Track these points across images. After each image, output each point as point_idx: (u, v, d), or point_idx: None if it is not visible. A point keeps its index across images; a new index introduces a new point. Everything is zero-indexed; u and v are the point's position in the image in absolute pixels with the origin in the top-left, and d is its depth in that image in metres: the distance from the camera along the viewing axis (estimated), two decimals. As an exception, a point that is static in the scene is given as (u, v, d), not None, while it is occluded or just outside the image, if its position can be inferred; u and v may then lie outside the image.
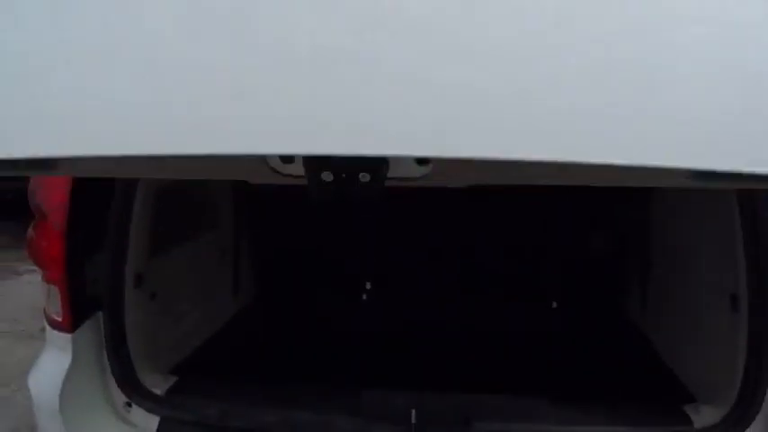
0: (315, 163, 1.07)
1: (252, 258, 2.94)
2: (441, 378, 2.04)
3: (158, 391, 1.96)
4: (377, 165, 1.07)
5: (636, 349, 2.38)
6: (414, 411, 1.77)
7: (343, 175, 1.06)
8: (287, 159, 1.23)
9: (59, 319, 1.87)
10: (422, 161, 1.22)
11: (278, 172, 1.27)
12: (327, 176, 1.07)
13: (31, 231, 1.94)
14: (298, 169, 1.17)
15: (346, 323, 2.90)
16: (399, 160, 1.16)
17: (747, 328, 1.66)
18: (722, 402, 1.72)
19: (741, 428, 1.65)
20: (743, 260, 1.67)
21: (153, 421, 1.91)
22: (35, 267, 1.99)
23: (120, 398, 1.93)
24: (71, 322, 1.87)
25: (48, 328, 1.94)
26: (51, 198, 1.86)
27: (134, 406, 1.92)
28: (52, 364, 1.89)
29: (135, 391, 1.93)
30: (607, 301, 2.76)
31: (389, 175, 1.10)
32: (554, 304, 2.65)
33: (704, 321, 1.95)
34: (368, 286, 2.56)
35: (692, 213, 2.08)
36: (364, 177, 1.07)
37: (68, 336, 1.87)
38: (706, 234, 1.95)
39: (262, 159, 1.25)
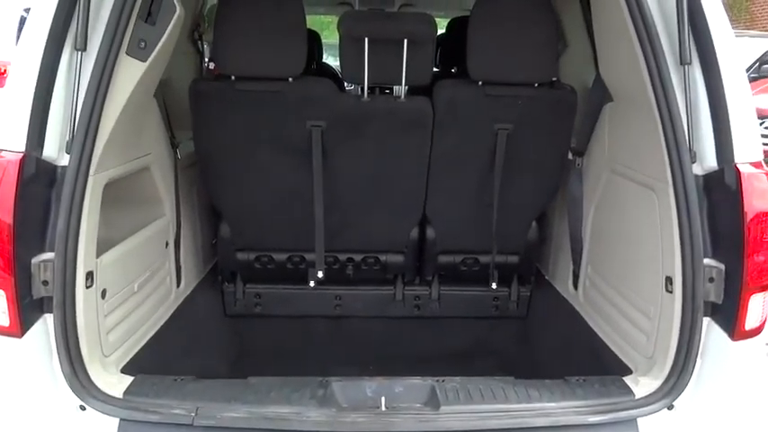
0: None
1: (194, 247, 2.85)
2: None
3: (115, 393, 1.89)
4: None
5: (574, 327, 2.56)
6: (383, 398, 1.83)
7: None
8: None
9: (6, 325, 1.76)
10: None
11: None
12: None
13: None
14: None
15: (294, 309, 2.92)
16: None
17: (681, 306, 1.85)
18: (658, 374, 1.91)
19: (675, 396, 1.85)
20: (678, 247, 1.85)
21: (111, 424, 1.84)
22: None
23: (75, 401, 1.84)
24: (19, 327, 1.76)
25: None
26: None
27: (89, 409, 1.85)
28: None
29: (90, 393, 1.85)
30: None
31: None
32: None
33: (640, 301, 2.14)
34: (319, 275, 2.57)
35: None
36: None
37: (17, 340, 1.76)
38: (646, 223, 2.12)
39: None
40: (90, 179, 1.85)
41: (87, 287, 1.89)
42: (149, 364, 2.23)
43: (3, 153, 1.76)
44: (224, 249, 2.78)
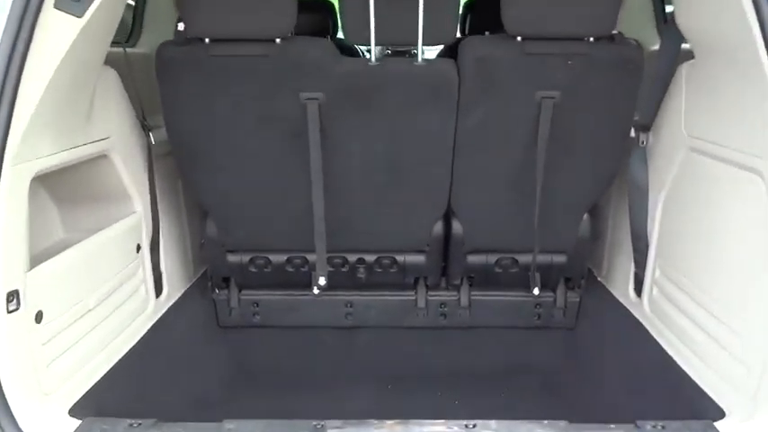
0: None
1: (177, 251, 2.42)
2: None
3: None
4: None
5: None
6: None
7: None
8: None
9: None
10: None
11: None
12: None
13: None
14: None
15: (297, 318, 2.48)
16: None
17: None
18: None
19: None
20: None
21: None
22: None
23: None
24: None
25: None
26: None
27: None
28: None
29: None
30: None
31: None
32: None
33: (735, 320, 1.63)
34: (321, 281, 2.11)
35: None
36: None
37: None
38: None
39: None
40: (7, 171, 1.41)
41: (10, 312, 1.46)
42: (116, 396, 1.82)
43: None
44: (213, 251, 2.34)
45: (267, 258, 2.33)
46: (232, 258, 2.33)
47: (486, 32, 3.17)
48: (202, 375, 2.32)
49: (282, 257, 2.32)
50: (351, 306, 2.45)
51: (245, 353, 2.51)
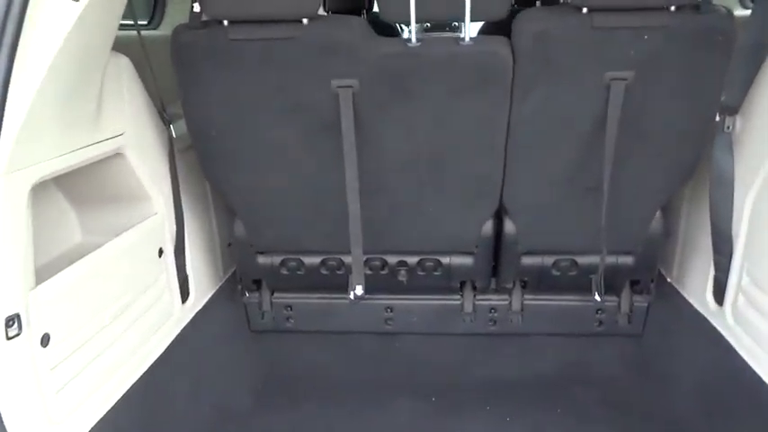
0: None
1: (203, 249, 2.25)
2: None
3: None
4: None
5: None
6: None
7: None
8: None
9: None
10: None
11: None
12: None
13: None
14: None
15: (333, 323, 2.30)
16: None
17: None
18: None
19: None
20: None
21: None
22: None
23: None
24: None
25: None
26: None
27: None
28: None
29: None
30: None
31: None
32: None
33: None
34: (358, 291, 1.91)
35: None
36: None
37: None
38: None
39: None
40: (0, 180, 1.24)
41: (10, 338, 1.30)
42: (138, 415, 1.67)
43: None
44: (242, 252, 2.16)
45: (300, 260, 2.14)
46: (262, 260, 2.15)
47: (537, 3, 2.89)
48: (232, 384, 2.16)
49: (316, 260, 2.13)
50: (391, 311, 2.25)
51: (277, 359, 2.34)
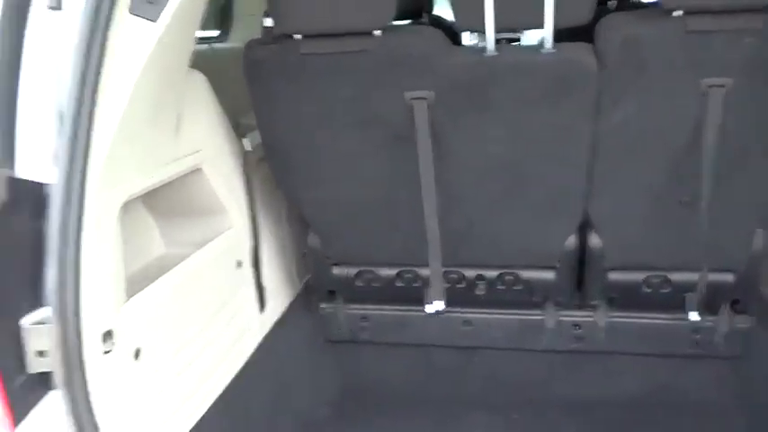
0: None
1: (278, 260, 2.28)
2: None
3: None
4: None
5: None
6: None
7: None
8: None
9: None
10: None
11: None
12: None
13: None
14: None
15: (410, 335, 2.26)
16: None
17: None
18: None
19: None
20: None
21: None
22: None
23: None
24: (11, 415, 1.25)
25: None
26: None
27: None
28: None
29: None
30: None
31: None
32: None
33: None
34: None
35: None
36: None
37: (9, 433, 1.27)
38: None
39: None
40: (92, 201, 1.28)
41: (106, 352, 1.35)
42: (222, 425, 1.70)
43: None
44: (316, 264, 2.16)
45: (375, 272, 2.12)
46: (337, 271, 2.15)
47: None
48: (310, 394, 2.17)
49: (392, 272, 2.10)
50: (469, 324, 2.19)
51: (353, 370, 2.34)
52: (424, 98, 1.62)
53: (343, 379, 2.31)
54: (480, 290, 2.04)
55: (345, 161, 1.81)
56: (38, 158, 1.26)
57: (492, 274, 2.01)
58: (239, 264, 1.97)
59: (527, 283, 2.00)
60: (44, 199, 1.25)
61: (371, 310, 2.28)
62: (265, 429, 1.88)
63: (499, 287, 2.02)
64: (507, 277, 2.01)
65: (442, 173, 1.71)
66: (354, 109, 1.70)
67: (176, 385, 1.61)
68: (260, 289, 2.10)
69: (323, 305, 2.28)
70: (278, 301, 2.24)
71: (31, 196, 1.25)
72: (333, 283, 2.20)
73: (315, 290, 2.27)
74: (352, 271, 2.13)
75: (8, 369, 1.24)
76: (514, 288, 2.02)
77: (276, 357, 2.10)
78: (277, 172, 1.92)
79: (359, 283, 2.15)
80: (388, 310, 2.26)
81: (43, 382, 1.29)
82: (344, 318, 2.30)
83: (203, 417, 1.69)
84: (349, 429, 2.01)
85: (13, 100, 1.20)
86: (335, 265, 2.14)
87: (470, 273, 2.02)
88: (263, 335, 2.11)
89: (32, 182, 1.25)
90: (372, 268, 2.10)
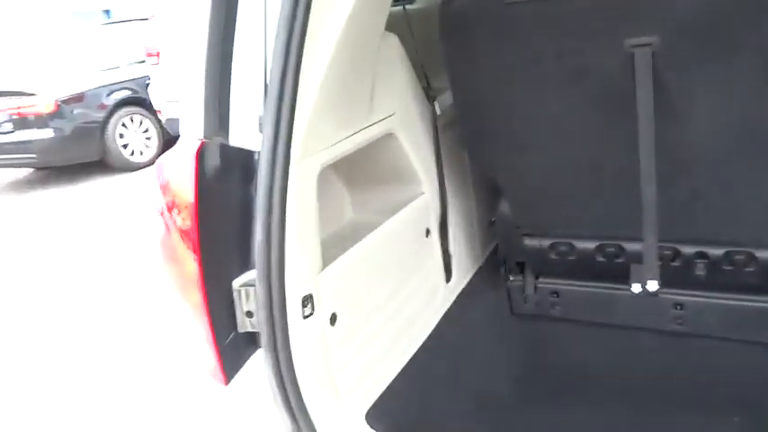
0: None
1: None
2: None
3: None
4: None
5: None
6: None
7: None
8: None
9: (211, 367, 1.34)
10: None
11: None
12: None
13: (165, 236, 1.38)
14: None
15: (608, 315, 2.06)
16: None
17: None
18: None
19: None
20: None
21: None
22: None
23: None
24: (222, 372, 1.32)
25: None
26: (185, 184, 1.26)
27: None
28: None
29: None
30: None
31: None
32: None
33: None
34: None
35: None
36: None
37: (223, 388, 1.34)
38: None
39: None
40: (294, 167, 1.28)
41: (306, 317, 1.36)
42: (402, 401, 1.67)
43: (183, 143, 1.31)
44: (506, 234, 2.04)
45: (571, 245, 1.94)
46: (529, 242, 2.01)
47: None
48: (492, 368, 2.08)
49: (591, 245, 1.91)
50: (681, 308, 1.93)
51: (539, 348, 2.20)
52: (648, 44, 1.40)
53: (527, 356, 2.18)
54: (700, 270, 1.77)
55: (550, 122, 1.64)
56: (247, 127, 1.28)
57: (717, 252, 1.73)
58: (428, 232, 1.91)
59: (763, 264, 1.70)
60: (253, 166, 1.28)
61: (564, 285, 2.11)
62: (445, 402, 1.83)
63: (726, 267, 1.74)
64: (737, 256, 1.72)
65: (664, 133, 1.48)
66: (564, 63, 1.52)
67: (366, 353, 1.60)
68: (446, 258, 2.03)
69: (511, 277, 2.16)
70: (462, 272, 2.16)
71: (242, 163, 1.28)
72: (523, 255, 2.06)
73: (502, 261, 2.16)
74: (546, 242, 1.98)
75: (220, 327, 1.30)
76: (745, 270, 1.72)
77: (460, 329, 2.02)
78: (470, 135, 1.82)
79: (552, 256, 1.99)
80: (584, 287, 2.07)
81: (251, 342, 1.35)
82: (534, 292, 2.17)
83: (390, 386, 1.67)
84: (532, 411, 1.89)
85: (227, 70, 1.22)
86: (527, 235, 2.00)
87: (688, 250, 1.76)
88: (449, 306, 2.05)
89: (243, 149, 1.28)
90: (569, 240, 1.93)
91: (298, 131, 1.26)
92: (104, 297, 4.18)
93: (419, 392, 1.76)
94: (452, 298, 2.08)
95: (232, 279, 1.31)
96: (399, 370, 1.72)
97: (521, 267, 2.15)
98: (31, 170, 8.31)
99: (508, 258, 2.12)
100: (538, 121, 1.66)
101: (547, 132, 1.66)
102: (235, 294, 1.31)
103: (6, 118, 7.35)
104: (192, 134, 1.28)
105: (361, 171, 1.86)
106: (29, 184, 7.95)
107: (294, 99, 1.23)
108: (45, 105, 7.28)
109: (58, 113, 7.32)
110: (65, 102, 7.40)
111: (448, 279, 2.05)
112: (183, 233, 1.27)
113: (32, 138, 7.26)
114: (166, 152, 1.35)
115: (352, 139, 1.51)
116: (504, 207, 1.97)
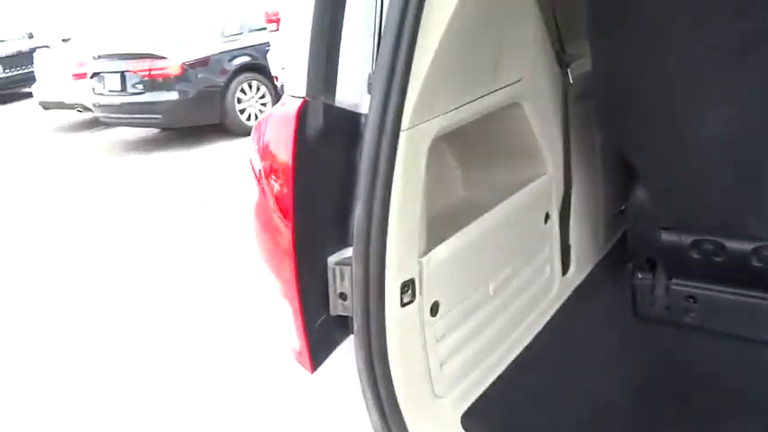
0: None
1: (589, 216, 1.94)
2: None
3: None
4: None
5: None
6: None
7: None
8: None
9: (297, 349, 1.23)
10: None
11: None
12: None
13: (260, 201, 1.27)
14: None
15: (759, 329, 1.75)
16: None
17: None
18: None
19: None
20: None
21: None
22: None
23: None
24: (309, 357, 1.21)
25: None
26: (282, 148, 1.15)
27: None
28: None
29: None
30: None
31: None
32: None
33: None
34: None
35: None
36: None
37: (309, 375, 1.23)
38: None
39: None
40: (404, 133, 1.12)
41: (404, 304, 1.22)
42: (503, 406, 1.50)
43: (284, 102, 1.18)
44: (639, 225, 1.78)
45: (720, 244, 1.65)
46: (667, 237, 1.73)
47: None
48: (608, 373, 1.84)
49: (747, 246, 1.61)
50: None
51: (665, 357, 1.92)
52: None
53: (651, 366, 1.92)
54: None
55: (715, 96, 1.37)
56: (354, 86, 1.14)
57: None
58: (547, 217, 1.70)
59: None
60: (359, 130, 1.13)
61: (704, 289, 1.82)
62: (553, 411, 1.63)
63: None
64: None
65: None
66: (744, 23, 1.24)
67: (468, 349, 1.44)
68: (565, 248, 1.81)
69: (640, 275, 1.89)
70: (582, 264, 1.93)
71: (347, 127, 1.14)
72: (656, 250, 1.79)
73: (631, 255, 1.89)
74: (688, 239, 1.70)
75: (311, 308, 1.18)
76: None
77: (576, 327, 1.81)
78: (608, 109, 1.57)
79: (694, 255, 1.71)
80: (729, 294, 1.77)
81: (343, 327, 1.22)
82: (663, 293, 1.89)
83: (494, 383, 1.50)
84: (650, 425, 1.65)
85: (337, 21, 1.07)
86: (665, 229, 1.73)
87: None
88: (564, 300, 1.83)
89: (349, 111, 1.14)
90: (718, 238, 1.64)
91: (411, 94, 1.10)
92: (210, 255, 4.30)
93: (523, 397, 1.58)
94: (568, 293, 1.86)
95: (327, 256, 1.19)
96: (503, 370, 1.55)
97: (651, 264, 1.88)
98: (157, 131, 8.78)
99: (639, 254, 1.86)
100: (698, 95, 1.38)
101: (709, 108, 1.38)
102: (329, 273, 1.18)
103: (138, 79, 7.78)
104: (295, 92, 1.15)
105: (476, 145, 1.67)
106: (155, 143, 8.42)
107: (410, 56, 1.07)
108: (172, 68, 7.62)
109: (183, 76, 7.64)
110: (191, 65, 7.70)
111: (565, 271, 1.83)
112: (278, 199, 1.15)
113: (160, 99, 7.64)
114: (266, 111, 1.24)
115: (471, 107, 1.33)
116: (640, 194, 1.71)
